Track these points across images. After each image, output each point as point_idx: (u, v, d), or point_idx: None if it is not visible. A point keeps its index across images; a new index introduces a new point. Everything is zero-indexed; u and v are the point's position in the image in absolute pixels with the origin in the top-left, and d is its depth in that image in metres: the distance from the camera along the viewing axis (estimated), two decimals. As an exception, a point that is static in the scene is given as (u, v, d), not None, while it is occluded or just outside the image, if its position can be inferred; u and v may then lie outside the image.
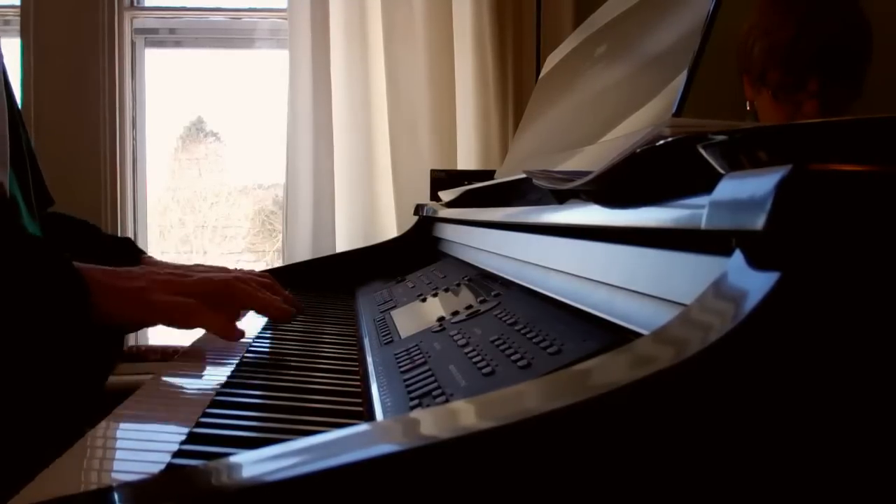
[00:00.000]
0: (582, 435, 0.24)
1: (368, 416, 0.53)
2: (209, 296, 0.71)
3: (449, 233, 1.14)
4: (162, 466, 0.42)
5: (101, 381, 0.83)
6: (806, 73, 1.12)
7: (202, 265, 0.92)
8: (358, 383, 0.62)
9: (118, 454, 0.45)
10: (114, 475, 0.42)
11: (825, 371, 0.25)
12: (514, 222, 0.70)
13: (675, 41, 0.58)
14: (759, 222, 0.25)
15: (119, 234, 1.87)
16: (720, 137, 0.33)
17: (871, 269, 0.25)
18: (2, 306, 0.63)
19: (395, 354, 0.61)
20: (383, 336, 0.71)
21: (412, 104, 1.80)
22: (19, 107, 0.98)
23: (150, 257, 1.02)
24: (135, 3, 1.99)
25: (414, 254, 1.25)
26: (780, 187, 0.24)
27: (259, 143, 2.20)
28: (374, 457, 0.24)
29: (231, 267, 0.96)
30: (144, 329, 1.60)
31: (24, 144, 0.91)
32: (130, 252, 1.00)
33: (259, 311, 0.79)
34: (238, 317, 0.82)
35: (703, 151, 0.33)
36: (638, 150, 0.38)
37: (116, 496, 0.25)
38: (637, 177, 0.41)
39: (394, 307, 0.85)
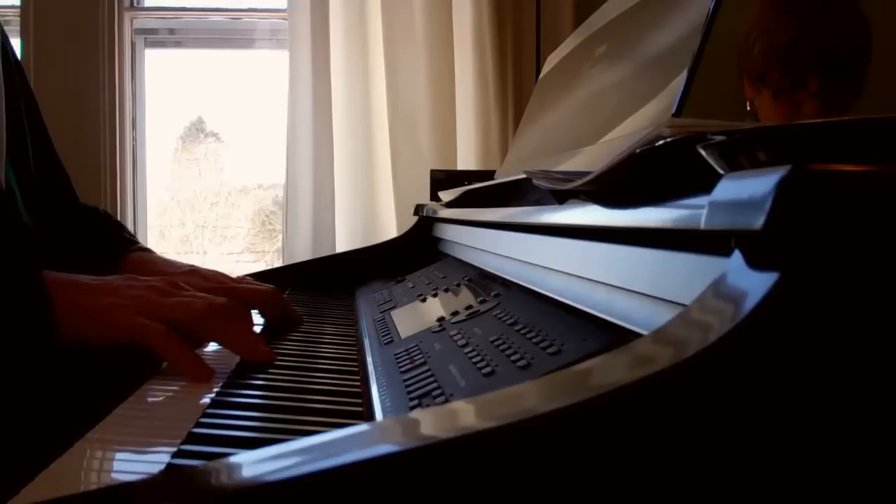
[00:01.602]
0: (581, 435, 0.24)
1: (368, 416, 0.53)
2: (185, 323, 0.64)
3: (449, 233, 1.14)
4: (162, 466, 0.42)
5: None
6: (806, 73, 1.12)
7: (199, 270, 0.88)
8: (358, 383, 0.62)
9: (118, 454, 0.45)
10: (114, 475, 0.42)
11: (824, 371, 0.25)
12: (514, 222, 0.70)
13: (675, 41, 0.58)
14: (759, 222, 0.25)
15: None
16: (720, 137, 0.33)
17: (870, 270, 0.25)
18: None
19: (395, 354, 0.61)
20: (383, 336, 0.71)
21: (412, 104, 1.80)
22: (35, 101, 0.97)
23: (143, 254, 0.95)
24: (135, 4, 1.99)
25: (414, 254, 1.25)
26: (780, 187, 0.24)
27: (259, 143, 2.20)
28: (373, 457, 0.24)
29: (233, 274, 0.94)
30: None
31: (27, 137, 0.90)
32: (121, 243, 0.96)
33: (235, 352, 0.68)
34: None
35: (702, 151, 0.33)
36: (638, 151, 0.38)
37: (116, 496, 0.25)
38: (637, 177, 0.41)
39: (394, 307, 0.84)
